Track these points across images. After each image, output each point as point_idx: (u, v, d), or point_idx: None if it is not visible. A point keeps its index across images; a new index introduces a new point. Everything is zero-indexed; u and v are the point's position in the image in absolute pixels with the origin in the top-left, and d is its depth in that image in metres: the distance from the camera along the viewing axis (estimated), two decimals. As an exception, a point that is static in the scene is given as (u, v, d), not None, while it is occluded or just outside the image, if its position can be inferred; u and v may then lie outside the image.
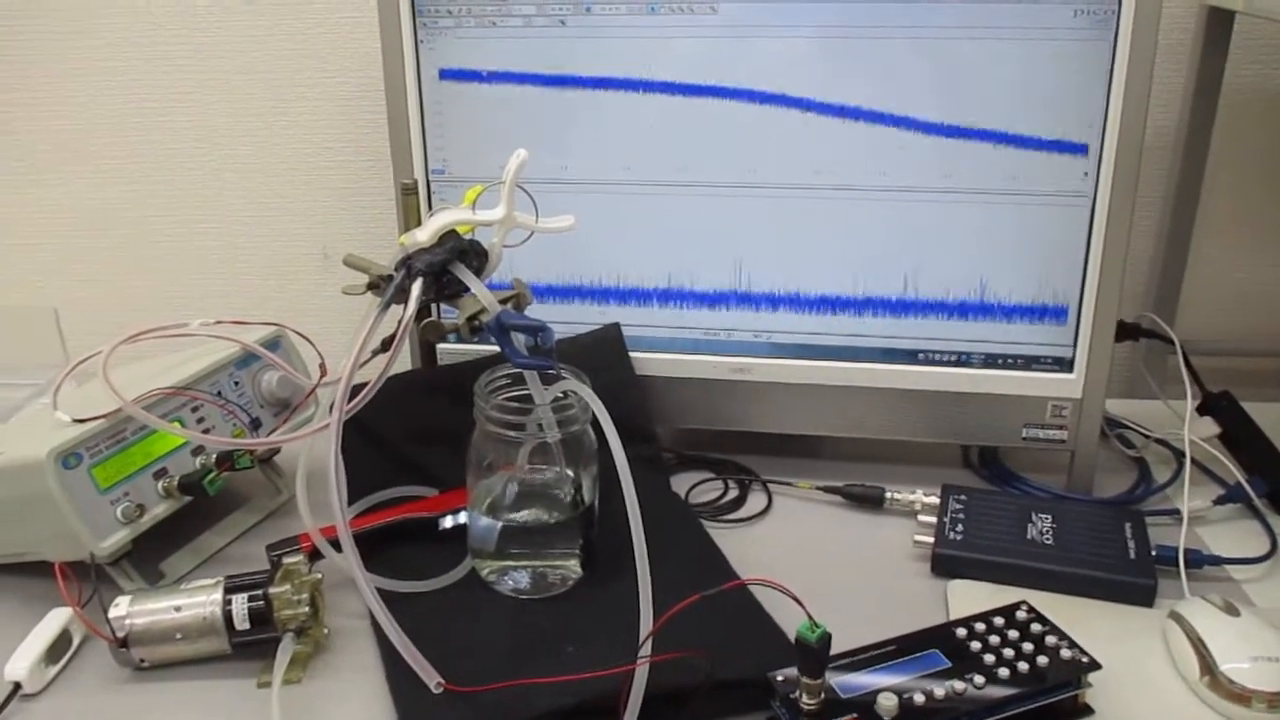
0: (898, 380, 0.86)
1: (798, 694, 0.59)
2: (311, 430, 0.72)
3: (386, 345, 0.75)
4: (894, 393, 0.87)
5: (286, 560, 0.70)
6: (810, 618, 0.58)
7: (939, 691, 0.59)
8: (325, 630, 0.70)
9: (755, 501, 0.88)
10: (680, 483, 0.90)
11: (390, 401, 0.81)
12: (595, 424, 0.68)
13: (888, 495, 0.85)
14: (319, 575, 0.70)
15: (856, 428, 0.89)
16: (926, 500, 0.83)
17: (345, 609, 0.73)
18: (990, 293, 0.84)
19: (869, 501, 0.85)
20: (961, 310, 0.85)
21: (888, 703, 0.58)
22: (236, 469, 0.76)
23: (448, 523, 0.79)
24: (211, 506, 0.83)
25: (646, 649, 0.59)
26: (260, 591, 0.67)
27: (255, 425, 0.82)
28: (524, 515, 0.75)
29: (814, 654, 0.57)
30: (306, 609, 0.67)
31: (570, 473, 0.73)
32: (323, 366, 0.81)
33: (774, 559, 0.78)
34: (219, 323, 0.83)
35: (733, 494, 0.88)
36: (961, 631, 0.65)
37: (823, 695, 0.59)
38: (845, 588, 0.75)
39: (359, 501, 0.82)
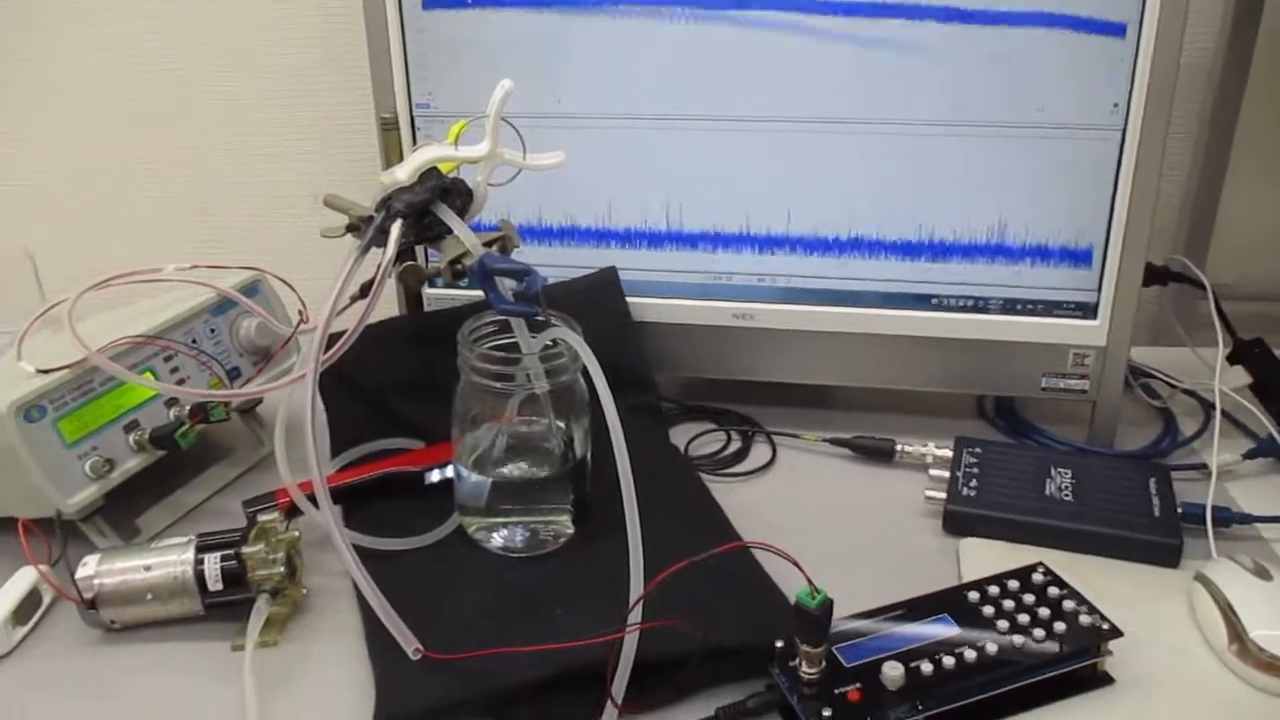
0: (910, 327, 0.82)
1: (798, 662, 0.55)
2: (287, 381, 0.68)
3: (366, 291, 0.71)
4: (905, 340, 0.82)
5: (262, 518, 0.67)
6: (810, 583, 0.54)
7: (948, 660, 0.56)
8: (304, 590, 0.67)
9: (759, 454, 0.84)
10: (680, 434, 0.86)
11: (373, 350, 0.78)
12: (587, 374, 0.64)
13: (898, 448, 0.81)
14: (296, 533, 0.67)
15: (865, 377, 0.84)
16: (938, 453, 0.79)
17: (326, 568, 0.69)
18: (1010, 234, 0.79)
19: (878, 454, 0.81)
20: (978, 252, 0.79)
21: (893, 672, 0.54)
22: (211, 421, 0.72)
23: (434, 477, 0.75)
24: (190, 459, 0.79)
25: (636, 615, 0.55)
26: (233, 551, 0.64)
27: (233, 375, 0.78)
28: (513, 470, 0.71)
29: (814, 621, 0.54)
30: (281, 569, 0.64)
31: (561, 424, 0.69)
32: (302, 313, 0.77)
33: (778, 515, 0.75)
34: (194, 267, 0.79)
35: (735, 446, 0.84)
36: (974, 595, 0.61)
37: (824, 664, 0.55)
38: (852, 546, 0.72)
39: (341, 455, 0.78)
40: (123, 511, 0.73)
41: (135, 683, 0.61)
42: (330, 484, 0.72)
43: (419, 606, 0.62)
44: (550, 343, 0.67)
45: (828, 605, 0.54)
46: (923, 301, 0.81)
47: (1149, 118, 0.73)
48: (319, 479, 0.61)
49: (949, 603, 0.61)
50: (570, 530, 0.70)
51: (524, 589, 0.65)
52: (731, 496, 0.75)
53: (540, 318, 0.65)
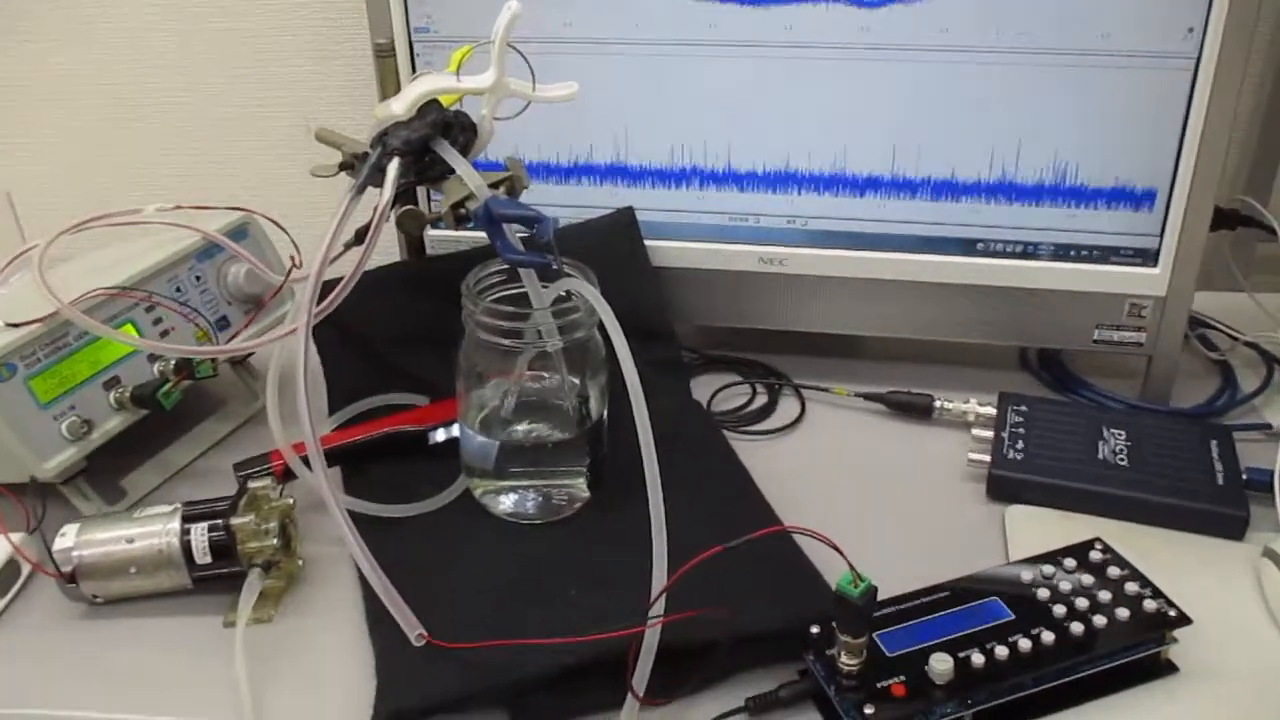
0: (953, 274, 0.75)
1: (836, 651, 0.51)
2: (276, 336, 0.62)
3: (362, 237, 0.65)
4: (949, 288, 0.76)
5: (253, 484, 0.62)
6: (853, 568, 0.49)
7: (1000, 650, 0.51)
8: (300, 562, 0.62)
9: (786, 409, 0.78)
10: (701, 387, 0.80)
11: (372, 299, 0.72)
12: (604, 327, 0.58)
13: (936, 404, 0.75)
14: (290, 500, 0.62)
15: (901, 327, 0.78)
16: (981, 411, 0.74)
17: (325, 534, 0.65)
18: (1066, 173, 0.72)
19: (915, 411, 0.76)
20: (1030, 193, 0.73)
21: (941, 665, 0.50)
22: (197, 378, 0.67)
23: (439, 436, 0.70)
24: (179, 414, 0.74)
25: (659, 606, 0.50)
26: (221, 522, 0.59)
27: (221, 325, 0.72)
28: (523, 431, 0.66)
29: (857, 611, 0.49)
30: (274, 542, 0.59)
31: (576, 380, 0.64)
32: (294, 258, 0.72)
33: (806, 477, 0.69)
34: (178, 208, 0.73)
35: (761, 401, 0.79)
36: (1027, 575, 0.56)
37: (865, 654, 0.50)
38: (888, 513, 0.67)
39: (340, 412, 0.73)
40: (106, 472, 0.68)
41: (121, 659, 0.57)
42: (327, 445, 0.68)
43: (422, 582, 0.58)
44: (564, 294, 0.61)
45: (871, 594, 0.48)
46: (967, 247, 0.75)
47: (1227, 44, 0.66)
48: (313, 446, 0.56)
49: (1000, 584, 0.56)
50: (586, 494, 0.65)
51: (536, 563, 0.60)
52: (756, 455, 0.70)
53: (553, 268, 0.59)
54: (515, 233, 0.60)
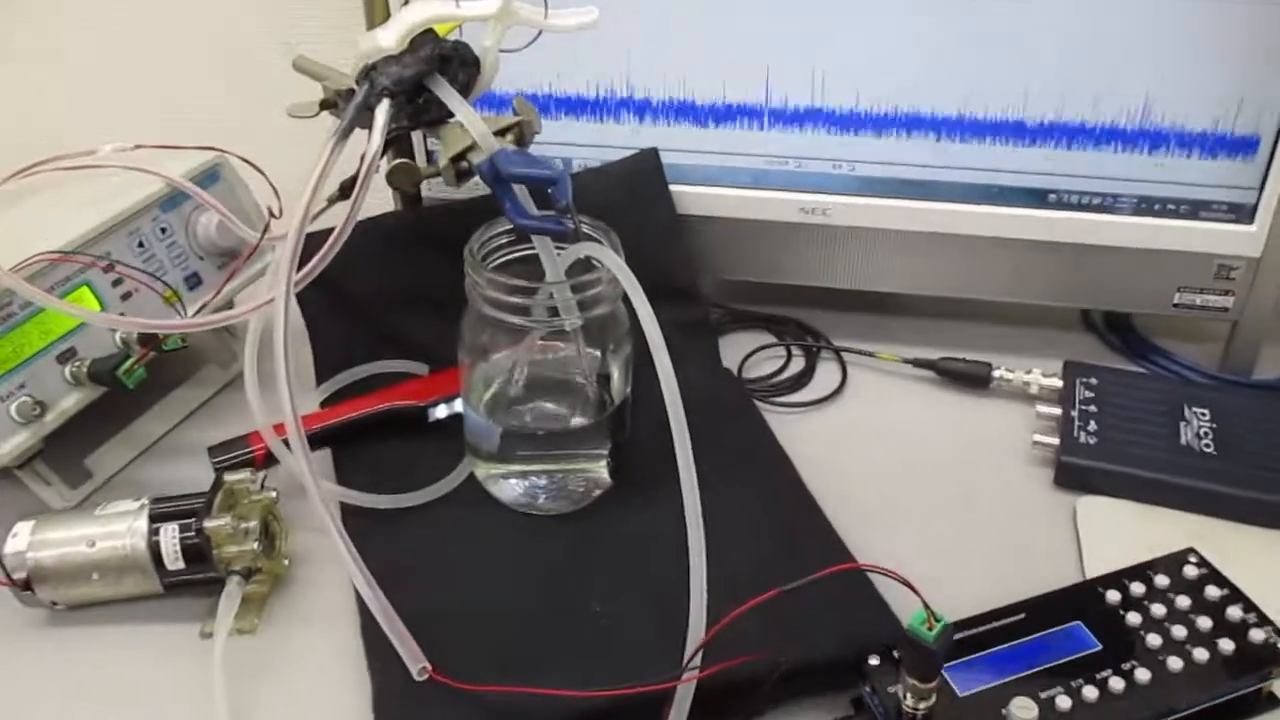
0: (1021, 228, 0.67)
1: (900, 691, 0.44)
2: (249, 309, 0.54)
3: (347, 190, 0.56)
4: (1014, 244, 0.67)
5: (229, 477, 0.54)
6: (927, 606, 0.42)
7: (1089, 692, 0.44)
8: (285, 562, 0.55)
9: (825, 377, 0.70)
10: (730, 348, 0.72)
11: (364, 255, 0.64)
12: (628, 298, 0.51)
13: (995, 374, 0.67)
14: (274, 494, 0.55)
15: (959, 286, 0.70)
16: (1045, 383, 0.66)
17: (315, 523, 0.56)
18: (1154, 114, 0.63)
19: (971, 381, 0.68)
20: (1112, 138, 0.64)
21: (1024, 714, 0.43)
22: (164, 351, 0.59)
23: (440, 413, 0.62)
24: (150, 380, 0.66)
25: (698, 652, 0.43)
26: (194, 523, 0.52)
27: (193, 283, 0.64)
28: (534, 412, 0.58)
29: (929, 655, 0.42)
30: (254, 546, 0.52)
31: (595, 352, 0.56)
32: (272, 210, 0.63)
33: (848, 457, 0.62)
34: (138, 148, 0.64)
35: (796, 366, 0.71)
36: (1112, 595, 0.49)
37: (934, 697, 0.44)
38: (941, 502, 0.60)
39: (328, 383, 0.65)
40: (67, 450, 0.60)
41: (85, 672, 0.51)
42: (313, 425, 0.60)
43: (423, 591, 0.51)
44: (583, 259, 0.53)
45: (948, 636, 0.42)
46: (1037, 198, 0.66)
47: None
48: (295, 430, 0.48)
49: (1081, 605, 0.49)
50: (607, 483, 0.58)
51: (553, 568, 0.53)
52: (792, 431, 0.63)
53: (571, 233, 0.50)
54: (527, 192, 0.52)
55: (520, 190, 0.51)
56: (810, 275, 0.71)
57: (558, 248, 0.53)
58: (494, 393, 0.58)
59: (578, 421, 0.57)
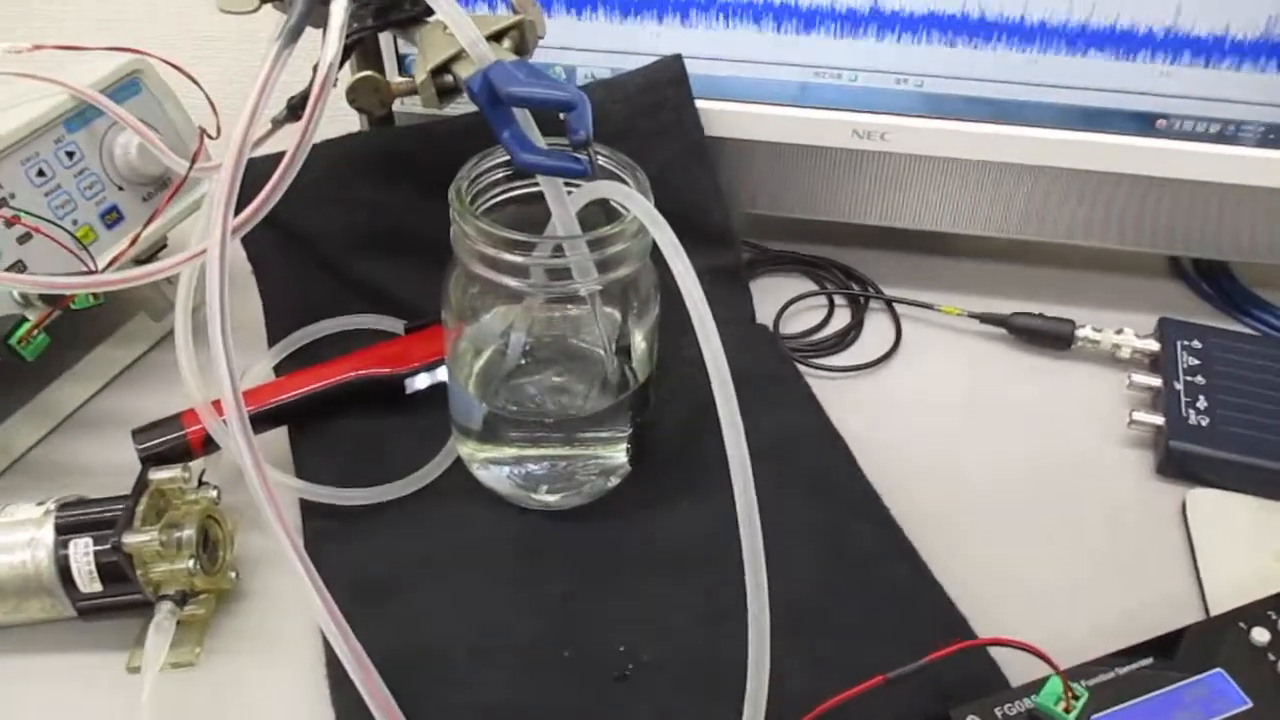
0: (1121, 159, 0.55)
1: (1010, 769, 0.35)
2: (175, 262, 0.43)
3: (297, 110, 0.44)
4: (1112, 178, 0.56)
5: (158, 475, 0.43)
6: (1059, 672, 0.32)
7: (1248, 770, 0.35)
8: (233, 575, 0.45)
9: (875, 333, 0.60)
10: (763, 297, 0.60)
11: (324, 186, 0.52)
12: (656, 254, 0.40)
13: (1078, 334, 0.57)
14: (214, 492, 0.44)
15: (1039, 228, 0.59)
16: (1140, 345, 0.56)
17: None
18: (1296, 21, 0.51)
19: (1050, 341, 0.58)
20: (1237, 52, 0.52)
21: (1173, 806, 0.34)
22: (75, 309, 0.47)
23: (420, 383, 0.51)
24: (61, 339, 0.55)
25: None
26: (111, 535, 0.41)
27: (111, 219, 0.52)
28: (536, 390, 0.48)
29: (1064, 740, 0.32)
30: (189, 564, 0.41)
31: (615, 313, 0.45)
32: (207, 130, 0.51)
33: (903, 433, 0.52)
34: (37, 48, 0.51)
35: (841, 320, 0.60)
36: (1259, 635, 0.40)
37: (1056, 781, 0.35)
38: (1021, 494, 0.50)
39: (282, 344, 0.54)
40: (-36, 427, 0.50)
41: (-16, 719, 0.41)
42: (264, 399, 0.49)
43: (400, 618, 0.41)
44: (600, 202, 0.42)
45: (1087, 715, 0.32)
46: (1143, 123, 0.55)
47: None
48: (238, 420, 0.37)
49: (1219, 647, 0.39)
50: (625, 469, 0.48)
51: (568, 594, 0.43)
52: (834, 400, 0.53)
53: (588, 169, 0.39)
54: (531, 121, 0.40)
55: (522, 115, 0.39)
56: (860, 211, 0.60)
57: (569, 187, 0.41)
58: (486, 363, 0.47)
59: (594, 402, 0.46)
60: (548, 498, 0.47)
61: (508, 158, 0.43)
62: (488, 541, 0.46)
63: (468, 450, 0.48)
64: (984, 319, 0.58)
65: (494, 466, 0.48)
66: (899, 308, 0.60)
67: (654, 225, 0.37)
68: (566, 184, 0.42)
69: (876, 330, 0.60)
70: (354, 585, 0.42)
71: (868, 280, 0.62)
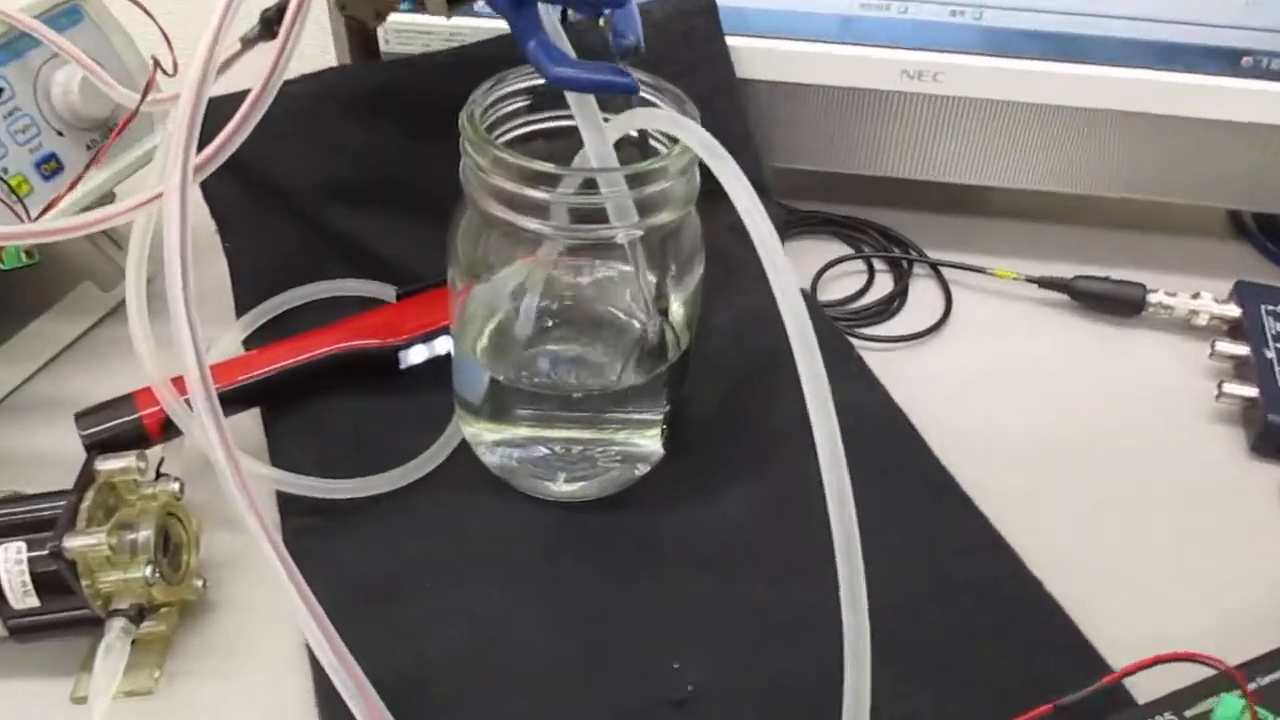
0: (1200, 102, 0.49)
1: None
2: (128, 207, 0.36)
3: (272, 26, 0.37)
4: (1191, 125, 0.50)
5: (107, 464, 0.36)
6: (1249, 697, 0.26)
7: None
8: (200, 583, 0.37)
9: (921, 300, 0.53)
10: (796, 260, 0.54)
11: (301, 127, 0.45)
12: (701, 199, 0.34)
13: (1151, 299, 0.51)
14: (175, 485, 0.37)
15: (1111, 183, 0.53)
16: (1219, 311, 0.50)
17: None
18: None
19: (1118, 307, 0.52)
20: (1339, -25, 0.46)
21: None
22: (3, 269, 0.40)
23: (416, 356, 0.44)
24: (3, 303, 0.48)
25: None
26: (50, 539, 0.34)
27: (49, 169, 0.44)
28: (555, 361, 0.41)
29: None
30: (145, 572, 0.34)
31: (651, 278, 0.38)
32: (160, 62, 0.43)
33: (959, 412, 0.46)
34: (-45, -35, 0.43)
35: (882, 287, 0.54)
36: None
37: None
38: (1095, 475, 0.44)
39: (254, 312, 0.46)
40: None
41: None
42: (235, 376, 0.42)
43: (400, 636, 0.35)
44: (637, 136, 0.35)
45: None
46: (1228, 61, 0.49)
47: None
48: (204, 400, 0.30)
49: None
50: (658, 455, 0.41)
51: (593, 601, 0.37)
52: (884, 373, 0.46)
53: (635, 85, 0.32)
54: (556, 24, 0.33)
55: (551, 24, 0.33)
56: (903, 164, 0.54)
57: (604, 115, 0.35)
58: (497, 329, 0.40)
59: (629, 376, 0.40)
60: (566, 487, 0.41)
61: (527, 83, 0.36)
62: (501, 539, 0.39)
63: (474, 430, 0.41)
64: (1043, 283, 0.52)
65: (504, 450, 0.41)
66: (947, 272, 0.54)
67: (714, 158, 0.30)
68: (606, 113, 0.35)
69: (923, 297, 0.53)
70: (345, 593, 0.35)
71: (909, 242, 0.56)
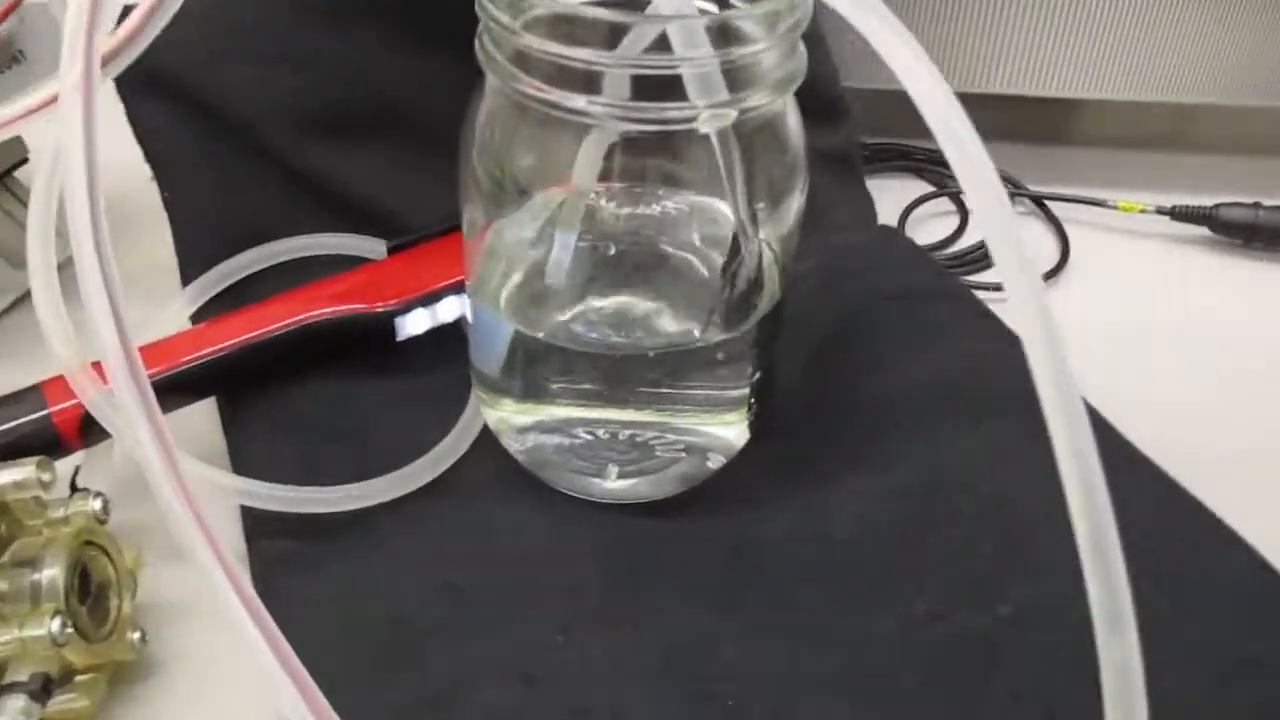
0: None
1: None
2: (13, 116, 0.26)
3: None
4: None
5: (7, 474, 0.26)
6: None
7: None
8: (136, 636, 0.27)
9: (1029, 242, 0.44)
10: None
11: (254, 36, 0.35)
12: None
13: (1312, 226, 0.42)
14: (97, 503, 0.27)
15: (1245, 88, 0.44)
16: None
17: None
18: None
19: (1274, 238, 0.42)
20: None
21: None
22: None
23: (416, 324, 0.34)
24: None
25: None
26: (-90, 587, 0.23)
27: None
28: (602, 316, 0.31)
29: None
30: (52, 626, 0.24)
31: (738, 208, 0.28)
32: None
33: (1094, 367, 0.35)
34: None
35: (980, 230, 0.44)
36: None
37: None
38: (1260, 447, 0.34)
39: (204, 278, 0.36)
40: None
41: None
42: (178, 356, 0.32)
43: (414, 696, 0.25)
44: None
45: None
46: None
47: None
48: (127, 386, 0.20)
49: None
50: (738, 441, 0.31)
51: (676, 637, 0.27)
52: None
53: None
54: None
55: None
56: (995, 76, 0.44)
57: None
58: (528, 277, 0.30)
59: (710, 334, 0.30)
60: (618, 484, 0.31)
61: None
62: (549, 557, 0.29)
63: (500, 415, 0.31)
64: (1179, 215, 0.43)
65: (540, 438, 0.31)
66: (1057, 207, 0.45)
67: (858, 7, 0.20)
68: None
69: (1031, 237, 0.44)
70: (338, 646, 0.26)
71: (1006, 175, 0.46)
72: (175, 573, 0.29)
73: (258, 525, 0.30)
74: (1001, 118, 0.48)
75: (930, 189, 0.46)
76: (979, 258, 0.42)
